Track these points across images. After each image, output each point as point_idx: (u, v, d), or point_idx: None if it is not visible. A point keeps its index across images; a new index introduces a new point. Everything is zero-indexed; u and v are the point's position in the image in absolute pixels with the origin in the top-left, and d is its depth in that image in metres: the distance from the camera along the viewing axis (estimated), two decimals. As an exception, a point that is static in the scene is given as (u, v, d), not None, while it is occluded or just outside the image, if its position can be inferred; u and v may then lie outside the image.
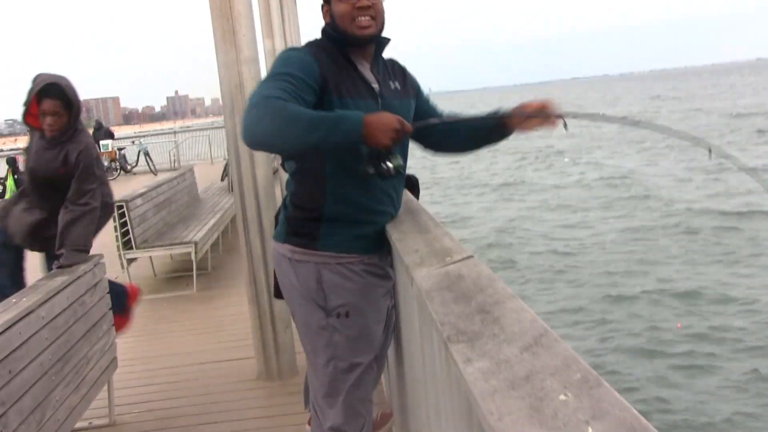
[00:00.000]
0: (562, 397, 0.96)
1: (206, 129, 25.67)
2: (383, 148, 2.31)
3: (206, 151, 24.09)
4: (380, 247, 2.66)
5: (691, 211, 17.89)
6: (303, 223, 2.59)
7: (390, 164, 2.40)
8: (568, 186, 24.66)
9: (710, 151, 2.18)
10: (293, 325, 3.30)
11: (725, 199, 19.10)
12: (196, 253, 7.35)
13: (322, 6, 2.58)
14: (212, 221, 8.43)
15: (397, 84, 2.67)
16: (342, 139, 2.21)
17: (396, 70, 2.73)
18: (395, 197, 2.69)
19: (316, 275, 2.58)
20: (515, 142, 28.36)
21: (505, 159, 34.40)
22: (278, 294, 2.83)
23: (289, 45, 12.58)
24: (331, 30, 2.52)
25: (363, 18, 2.47)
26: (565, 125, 2.48)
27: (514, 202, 22.57)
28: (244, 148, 4.40)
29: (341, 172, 2.49)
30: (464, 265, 1.77)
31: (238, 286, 6.54)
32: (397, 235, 2.38)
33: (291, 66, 2.32)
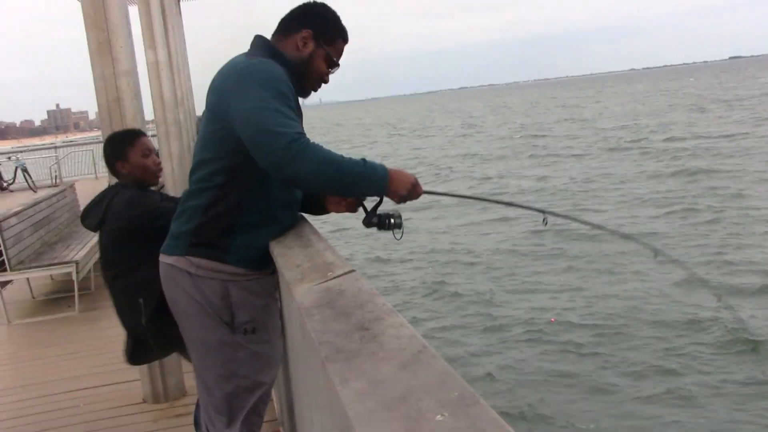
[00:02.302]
0: (438, 417, 0.94)
1: (90, 143, 24.77)
2: (397, 202, 2.47)
3: (90, 167, 23.25)
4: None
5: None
6: (215, 234, 2.51)
7: (393, 220, 2.55)
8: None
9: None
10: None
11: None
12: (77, 272, 7.05)
13: (305, 37, 2.60)
14: (95, 239, 8.07)
15: None
16: (370, 189, 2.38)
17: None
18: (296, 209, 2.76)
19: (222, 291, 2.53)
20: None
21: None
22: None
23: (174, 56, 12.29)
24: (296, 64, 2.57)
25: (323, 86, 2.70)
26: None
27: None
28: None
29: (269, 182, 2.49)
30: (345, 279, 1.73)
31: (123, 305, 6.30)
32: (280, 249, 2.33)
33: (286, 87, 2.36)
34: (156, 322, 3.01)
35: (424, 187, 2.54)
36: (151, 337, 3.09)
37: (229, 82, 2.39)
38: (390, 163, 2.38)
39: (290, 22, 2.63)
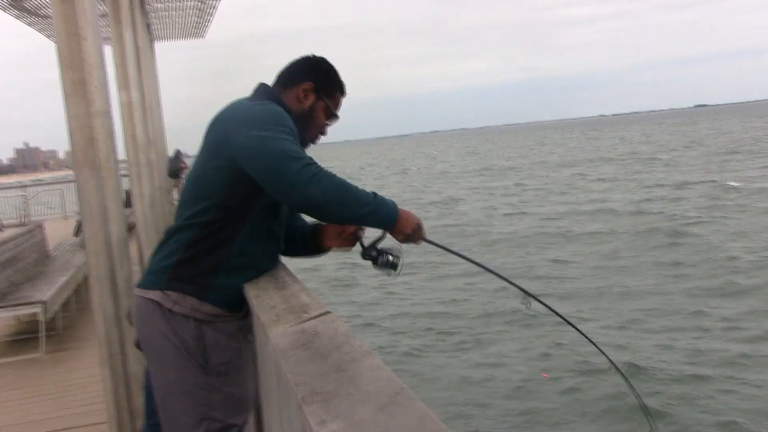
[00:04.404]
0: (417, 458, 0.94)
1: (59, 183, 24.52)
2: (400, 241, 2.51)
3: (59, 206, 22.97)
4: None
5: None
6: (197, 271, 2.51)
7: (392, 258, 2.59)
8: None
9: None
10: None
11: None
12: (44, 313, 6.93)
13: (307, 90, 2.68)
14: (63, 279, 7.98)
15: None
16: (380, 220, 2.43)
17: None
18: (278, 259, 2.78)
19: (197, 333, 2.51)
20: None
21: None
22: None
23: (147, 96, 12.29)
24: (297, 116, 2.61)
25: (322, 137, 2.76)
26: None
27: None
28: (95, 203, 4.20)
29: (258, 227, 2.53)
30: (321, 321, 1.74)
31: (92, 347, 6.20)
32: (254, 291, 2.33)
33: (293, 126, 2.41)
34: None
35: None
36: None
37: (236, 120, 2.45)
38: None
39: (292, 75, 2.72)
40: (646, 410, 4.27)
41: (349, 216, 2.40)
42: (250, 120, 2.39)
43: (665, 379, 9.69)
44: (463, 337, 12.56)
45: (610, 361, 3.29)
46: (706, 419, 8.42)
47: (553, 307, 2.97)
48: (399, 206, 2.48)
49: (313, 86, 2.69)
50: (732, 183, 31.27)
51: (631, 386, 3.54)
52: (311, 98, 2.70)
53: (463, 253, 2.86)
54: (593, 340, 3.19)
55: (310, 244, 2.89)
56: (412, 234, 2.51)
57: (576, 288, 15.46)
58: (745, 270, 15.71)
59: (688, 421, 8.41)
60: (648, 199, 28.98)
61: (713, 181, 32.71)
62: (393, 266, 2.61)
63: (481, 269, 2.91)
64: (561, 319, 3.00)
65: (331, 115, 2.76)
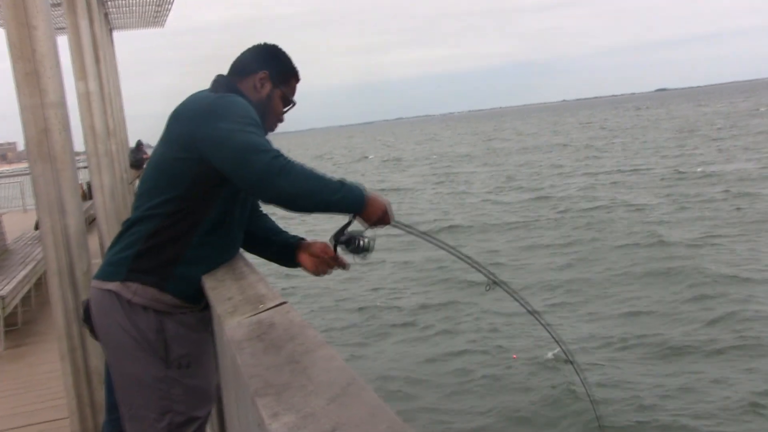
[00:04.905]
0: (366, 449, 0.94)
1: (18, 175, 24.10)
2: (368, 226, 2.51)
3: (18, 199, 22.56)
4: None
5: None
6: (157, 262, 2.48)
7: (363, 242, 2.59)
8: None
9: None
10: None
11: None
12: (3, 308, 6.81)
13: (263, 78, 2.68)
14: (22, 273, 7.84)
15: None
16: (349, 206, 2.42)
17: None
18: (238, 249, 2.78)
19: (157, 325, 2.48)
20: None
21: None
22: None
23: (106, 86, 12.12)
24: (256, 104, 2.58)
25: (279, 124, 2.78)
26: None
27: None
28: (51, 196, 4.13)
29: (220, 219, 2.52)
30: (277, 312, 1.73)
31: (52, 341, 6.11)
32: (211, 283, 2.31)
33: (257, 117, 2.42)
34: None
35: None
36: None
37: (201, 111, 2.42)
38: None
39: (246, 64, 2.71)
40: (593, 402, 4.40)
41: (319, 205, 2.39)
42: (217, 112, 2.37)
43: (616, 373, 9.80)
44: (426, 323, 12.59)
45: (565, 352, 3.36)
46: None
47: (516, 295, 2.99)
48: (367, 191, 2.47)
49: (268, 74, 2.69)
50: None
51: (582, 379, 3.63)
52: (268, 86, 2.70)
53: (431, 236, 2.86)
54: (552, 332, 3.22)
55: (289, 256, 2.89)
56: (379, 220, 2.52)
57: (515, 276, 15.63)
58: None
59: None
60: (591, 186, 29.28)
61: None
62: (366, 249, 2.61)
63: (451, 254, 2.92)
64: (525, 308, 3.04)
65: (288, 102, 2.77)
